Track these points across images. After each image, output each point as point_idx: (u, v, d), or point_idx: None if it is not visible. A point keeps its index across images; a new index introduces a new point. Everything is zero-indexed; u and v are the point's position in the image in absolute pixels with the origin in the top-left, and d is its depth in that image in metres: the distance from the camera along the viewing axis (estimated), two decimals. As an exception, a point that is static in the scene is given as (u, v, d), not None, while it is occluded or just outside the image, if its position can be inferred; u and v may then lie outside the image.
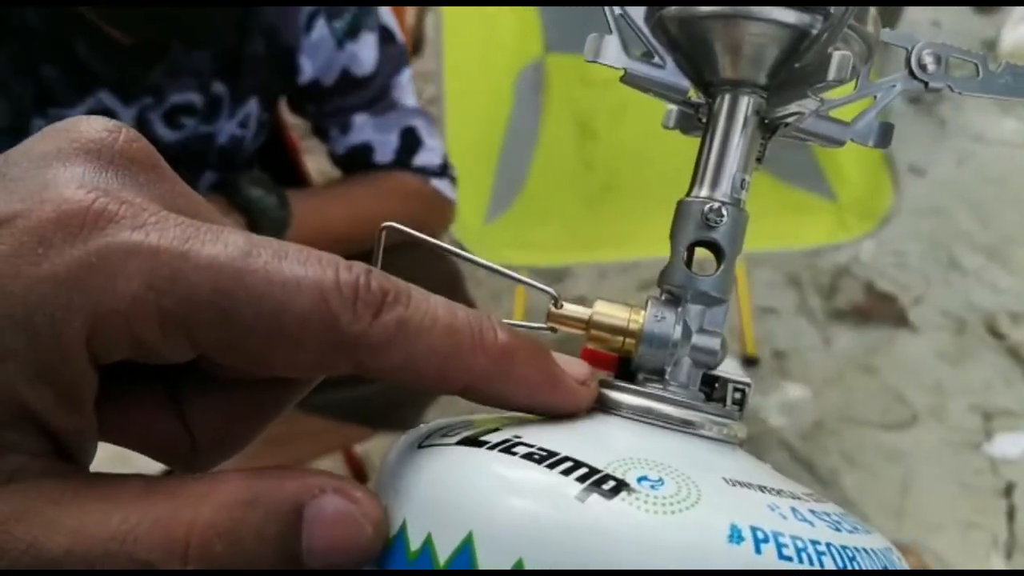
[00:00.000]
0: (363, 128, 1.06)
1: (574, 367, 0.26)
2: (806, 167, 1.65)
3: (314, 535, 0.22)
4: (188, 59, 0.95)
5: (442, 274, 1.09)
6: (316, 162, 1.34)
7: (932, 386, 1.75)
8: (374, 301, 0.23)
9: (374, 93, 1.06)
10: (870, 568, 0.26)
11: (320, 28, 1.02)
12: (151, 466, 1.24)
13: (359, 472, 1.52)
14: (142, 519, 0.21)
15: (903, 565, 0.28)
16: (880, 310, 1.90)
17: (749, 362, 1.79)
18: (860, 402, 1.73)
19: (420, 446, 0.28)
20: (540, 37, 1.74)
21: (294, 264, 0.22)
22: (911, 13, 2.34)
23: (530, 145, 1.75)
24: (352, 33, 1.03)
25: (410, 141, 1.08)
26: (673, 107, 0.34)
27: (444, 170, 1.11)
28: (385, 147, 1.07)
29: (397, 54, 1.08)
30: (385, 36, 1.06)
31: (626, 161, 1.71)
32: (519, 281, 0.31)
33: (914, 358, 1.81)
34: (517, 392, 0.25)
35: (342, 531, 0.23)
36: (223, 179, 1.03)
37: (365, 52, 1.04)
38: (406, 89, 1.09)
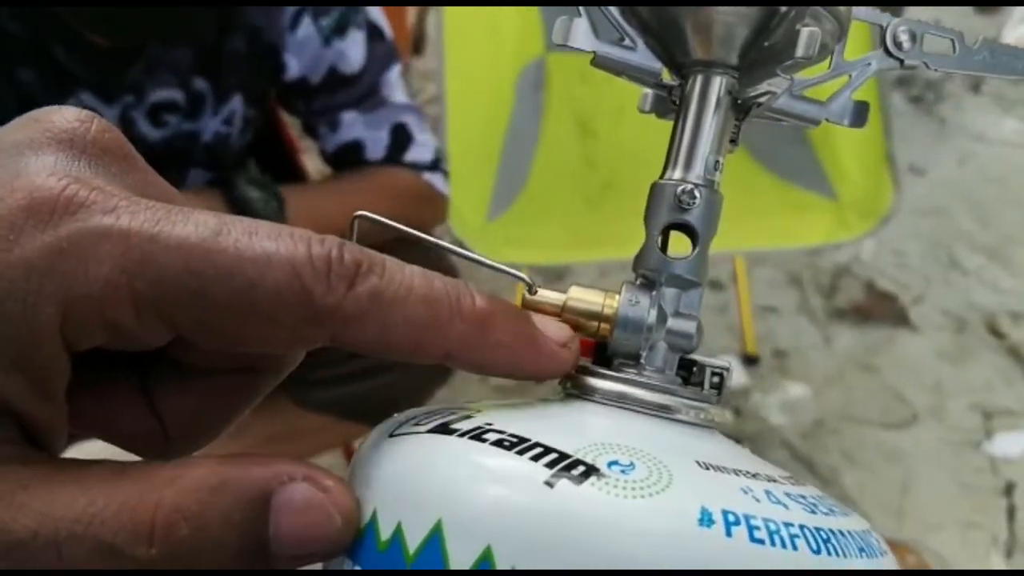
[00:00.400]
0: (352, 125, 1.06)
1: (554, 330, 0.26)
2: (807, 165, 1.65)
3: (281, 523, 0.22)
4: (166, 56, 0.95)
5: (440, 266, 1.09)
6: (315, 161, 1.34)
7: (932, 385, 1.75)
8: (347, 273, 0.23)
9: (363, 91, 1.06)
10: (846, 550, 0.25)
11: (306, 26, 1.01)
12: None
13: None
14: (109, 502, 0.21)
15: (883, 547, 0.27)
16: (880, 309, 1.90)
17: (749, 361, 1.79)
18: (860, 401, 1.73)
19: (391, 435, 0.27)
20: (541, 36, 1.74)
21: (265, 240, 0.22)
22: (911, 14, 2.33)
23: (531, 144, 1.75)
24: (339, 30, 1.03)
25: (401, 137, 1.08)
26: (648, 90, 0.33)
27: (436, 164, 1.11)
28: (376, 144, 1.07)
29: (386, 51, 1.08)
30: (373, 33, 1.06)
31: (627, 160, 1.71)
32: (492, 268, 0.30)
33: (914, 357, 1.81)
34: (497, 357, 0.25)
35: (310, 520, 0.23)
36: (213, 177, 1.03)
37: (353, 50, 1.04)
38: (395, 85, 1.09)
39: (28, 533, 0.21)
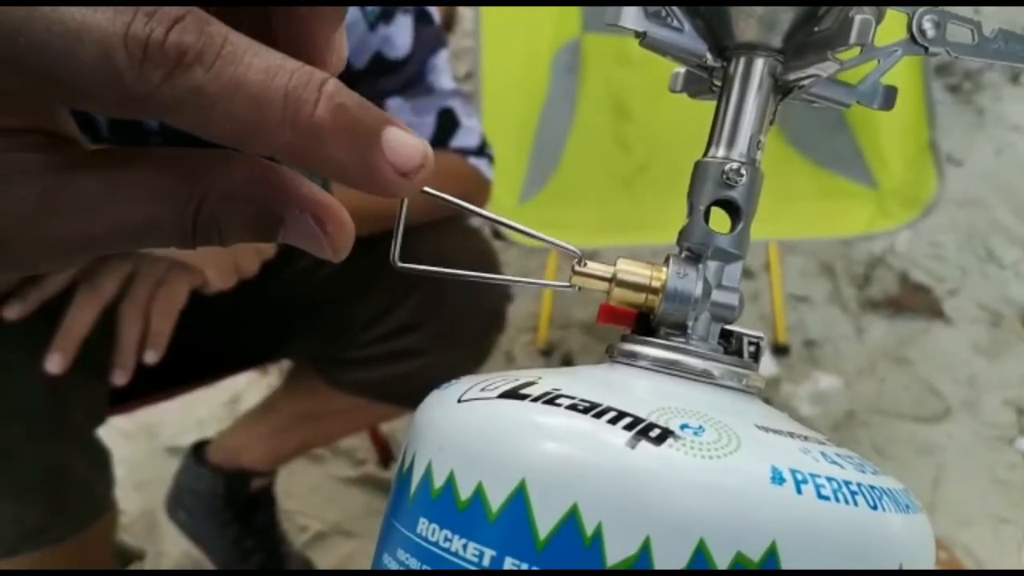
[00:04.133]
0: (398, 112, 1.04)
1: (405, 153, 0.24)
2: (847, 153, 1.63)
3: (288, 237, 0.26)
4: None
5: (474, 251, 1.07)
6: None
7: (966, 379, 1.73)
8: (165, 61, 0.21)
9: (409, 77, 1.04)
10: (895, 506, 0.27)
11: (352, 11, 0.99)
12: (177, 440, 1.23)
13: (384, 450, 1.52)
14: (161, 204, 0.25)
15: (918, 506, 0.29)
16: (914, 301, 1.88)
17: (780, 350, 1.77)
18: (892, 394, 1.71)
19: (460, 401, 0.29)
20: (578, 16, 1.73)
21: (89, 13, 0.21)
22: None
23: (565, 126, 1.74)
24: (385, 16, 1.00)
25: (447, 123, 1.06)
26: (681, 70, 0.35)
27: (482, 150, 1.09)
28: (422, 130, 1.04)
29: (433, 35, 1.05)
30: (421, 17, 1.03)
31: (661, 143, 1.69)
32: (543, 240, 0.32)
33: (948, 351, 1.79)
34: (325, 170, 0.24)
35: (309, 245, 0.26)
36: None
37: (399, 35, 1.01)
38: (442, 71, 1.06)
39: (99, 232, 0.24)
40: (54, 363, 0.83)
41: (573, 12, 1.72)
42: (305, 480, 1.52)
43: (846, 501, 0.26)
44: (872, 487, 0.27)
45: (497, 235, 1.52)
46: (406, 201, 0.30)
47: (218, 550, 1.29)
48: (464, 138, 1.06)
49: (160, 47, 0.21)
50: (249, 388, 1.64)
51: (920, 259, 1.96)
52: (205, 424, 1.59)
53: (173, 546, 1.38)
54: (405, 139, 0.24)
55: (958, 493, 1.53)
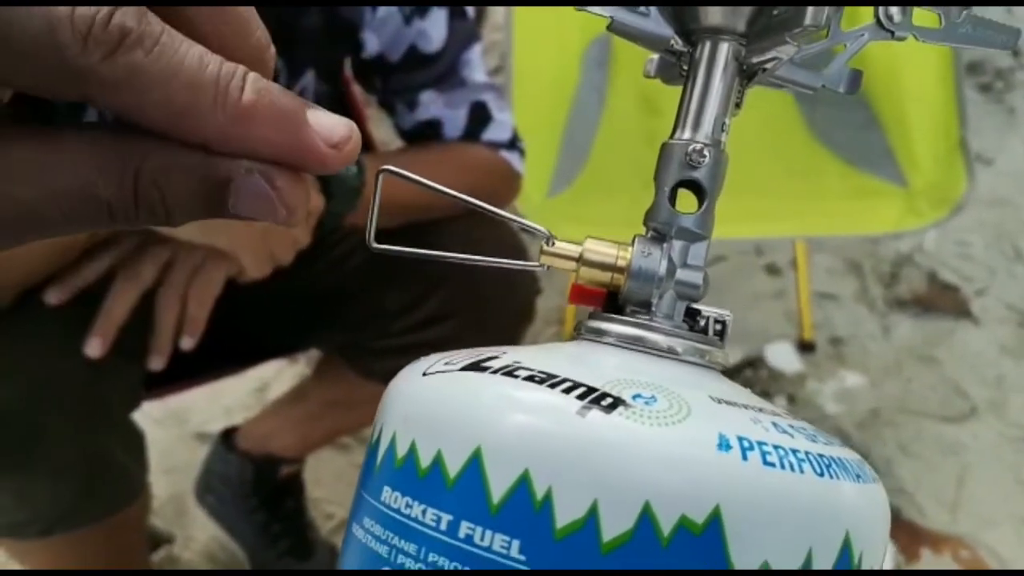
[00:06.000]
0: (431, 105, 1.05)
1: (328, 128, 0.26)
2: (877, 152, 1.62)
3: (238, 202, 0.26)
4: None
5: (505, 242, 1.08)
6: (379, 130, 1.34)
7: (993, 380, 1.72)
8: (108, 39, 0.23)
9: (442, 70, 1.05)
10: (845, 474, 0.28)
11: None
12: (206, 426, 1.24)
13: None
14: (100, 170, 0.24)
15: (874, 475, 0.30)
16: (942, 301, 1.87)
17: (805, 347, 1.77)
18: (918, 393, 1.71)
19: (425, 374, 0.30)
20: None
21: None
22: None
23: (595, 121, 1.74)
24: (420, 9, 1.01)
25: (480, 116, 1.07)
26: (654, 56, 0.36)
27: (513, 143, 1.10)
28: (454, 122, 1.06)
29: (467, 29, 1.06)
30: (455, 11, 1.04)
31: (690, 140, 1.69)
32: (510, 220, 0.33)
33: (975, 351, 1.78)
34: (259, 150, 0.25)
35: (260, 206, 0.26)
36: None
37: (434, 28, 1.02)
38: (476, 65, 1.07)
39: (34, 201, 0.24)
40: (94, 347, 0.85)
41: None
42: (332, 468, 1.53)
43: (792, 468, 0.26)
44: (821, 455, 0.27)
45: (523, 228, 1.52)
46: (379, 188, 0.31)
47: (245, 535, 1.31)
48: (496, 131, 1.07)
49: (104, 26, 0.23)
50: (277, 376, 1.66)
51: (948, 258, 1.95)
52: (234, 411, 1.61)
53: (201, 530, 1.40)
54: (329, 116, 0.26)
55: (983, 493, 1.53)
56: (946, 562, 1.41)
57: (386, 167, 0.32)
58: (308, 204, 0.27)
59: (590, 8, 0.31)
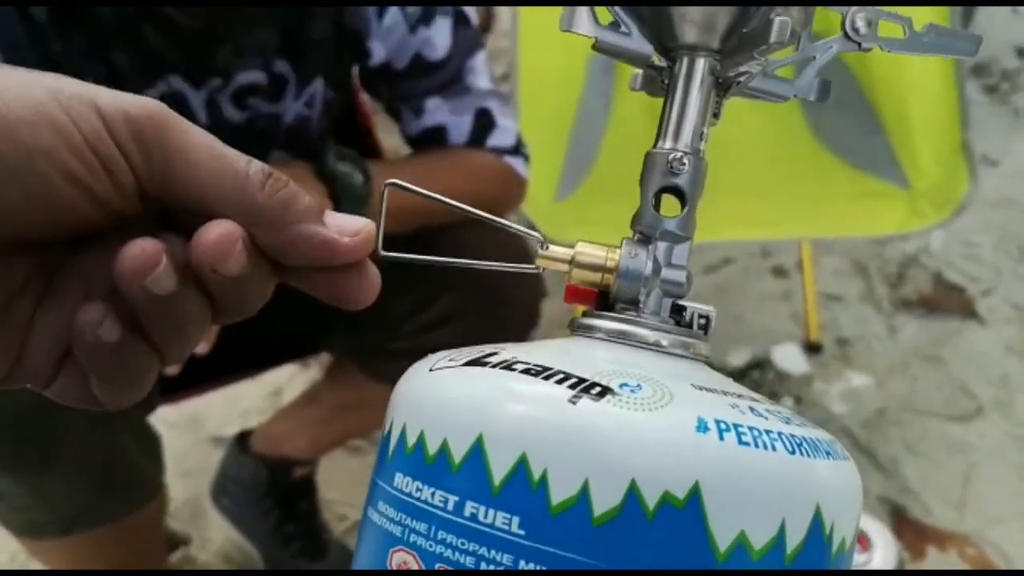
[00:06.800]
0: (436, 111, 1.07)
1: (347, 224, 0.32)
2: (881, 155, 1.64)
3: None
4: (251, 37, 0.95)
5: (512, 248, 1.10)
6: (387, 137, 1.36)
7: (999, 379, 1.74)
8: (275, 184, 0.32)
9: (447, 77, 1.07)
10: (815, 452, 0.30)
11: (393, 13, 1.02)
12: (221, 430, 1.26)
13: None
14: None
15: (845, 453, 0.32)
16: (948, 301, 1.89)
17: (812, 348, 1.79)
18: (924, 393, 1.72)
19: (431, 370, 0.33)
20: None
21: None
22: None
23: (601, 125, 1.76)
24: (425, 17, 1.03)
25: (484, 122, 1.09)
26: (638, 71, 0.38)
27: (517, 149, 1.12)
28: (459, 128, 1.08)
29: (471, 37, 1.08)
30: (459, 19, 1.06)
31: (697, 144, 1.70)
32: (506, 226, 0.36)
33: (981, 351, 1.79)
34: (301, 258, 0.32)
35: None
36: (294, 159, 1.05)
37: (438, 36, 1.04)
38: (480, 72, 1.09)
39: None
40: None
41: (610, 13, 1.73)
42: (345, 471, 1.55)
43: (765, 447, 0.28)
44: (793, 435, 0.30)
45: (532, 228, 1.54)
46: (386, 200, 0.34)
47: (260, 536, 1.33)
48: (500, 137, 1.09)
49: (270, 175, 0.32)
50: (291, 381, 1.69)
51: (954, 259, 1.96)
52: (248, 415, 1.63)
53: (217, 532, 1.43)
54: (337, 216, 0.33)
55: (988, 492, 1.54)
56: (952, 560, 1.42)
57: (392, 181, 0.35)
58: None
59: (575, 30, 0.34)
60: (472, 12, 1.10)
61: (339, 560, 1.34)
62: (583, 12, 0.34)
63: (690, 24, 0.34)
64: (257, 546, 1.34)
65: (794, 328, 1.84)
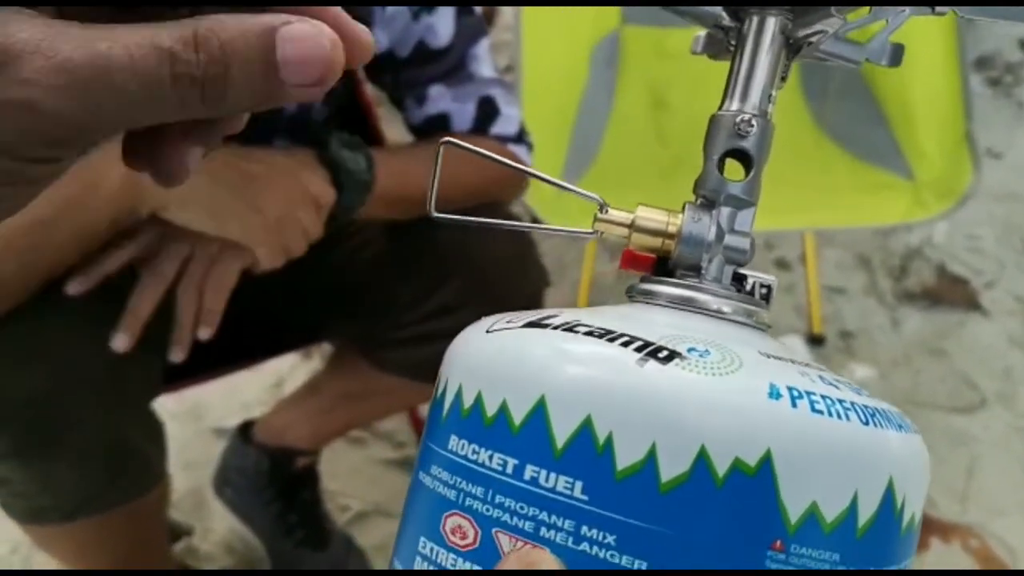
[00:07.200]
0: (439, 99, 1.06)
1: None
2: (884, 145, 1.64)
3: (286, 48, 0.28)
4: None
5: (514, 238, 1.10)
6: (390, 128, 1.35)
7: (1002, 372, 1.73)
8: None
9: (450, 65, 1.06)
10: (888, 423, 0.29)
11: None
12: (223, 421, 1.26)
13: (423, 432, 1.55)
14: (159, 28, 0.27)
15: (915, 427, 0.31)
16: (951, 293, 1.88)
17: (815, 341, 1.79)
18: (928, 385, 1.72)
19: (488, 331, 0.31)
20: (617, 9, 1.75)
21: None
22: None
23: (604, 117, 1.76)
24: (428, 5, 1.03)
25: (487, 110, 1.08)
26: (701, 33, 0.37)
27: (521, 137, 1.11)
28: (462, 116, 1.07)
29: (474, 25, 1.07)
30: (462, 7, 1.06)
31: (699, 135, 1.69)
32: (567, 189, 0.35)
33: (985, 343, 1.79)
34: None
35: (308, 44, 0.28)
36: (305, 143, 1.05)
37: (441, 24, 1.04)
38: (483, 60, 1.09)
39: (105, 48, 0.26)
40: (120, 342, 0.87)
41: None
42: (347, 462, 1.55)
43: (839, 416, 0.28)
44: (866, 406, 0.29)
45: (536, 221, 1.54)
46: (442, 150, 0.34)
47: (262, 526, 1.33)
48: (503, 125, 1.09)
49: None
50: (293, 371, 1.68)
51: (957, 251, 1.96)
52: (250, 406, 1.63)
53: (220, 522, 1.42)
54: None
55: (992, 484, 1.54)
56: (955, 551, 1.42)
57: (448, 139, 0.34)
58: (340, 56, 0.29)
59: None
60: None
61: (341, 551, 1.34)
62: None
63: None
64: (259, 536, 1.34)
65: (797, 320, 1.83)
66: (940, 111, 1.57)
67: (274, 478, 1.29)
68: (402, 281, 1.09)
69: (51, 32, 0.26)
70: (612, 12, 1.74)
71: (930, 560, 1.40)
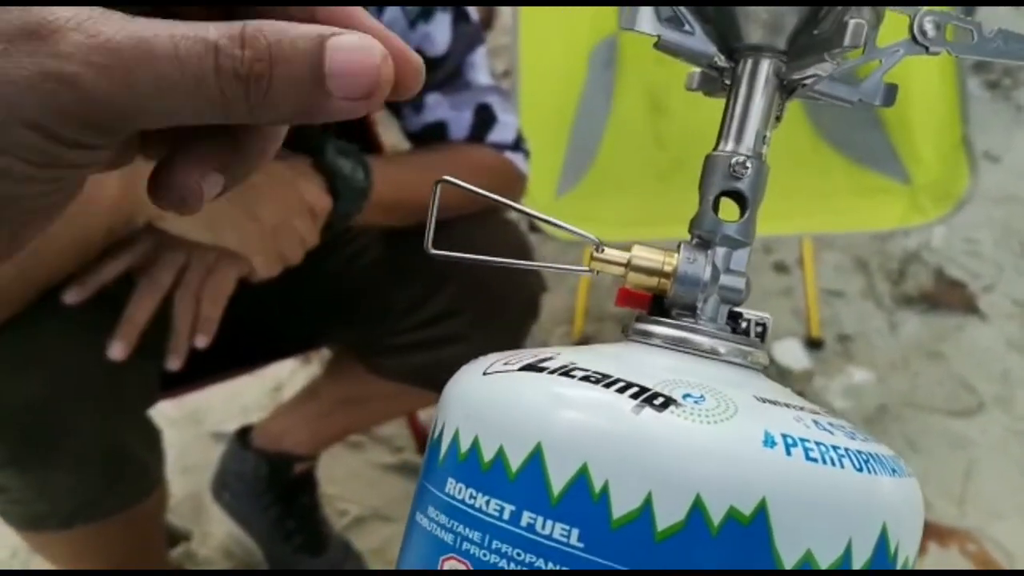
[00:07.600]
0: (436, 107, 1.06)
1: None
2: (881, 150, 1.64)
3: (335, 59, 0.27)
4: None
5: (510, 244, 1.10)
6: (388, 134, 1.36)
7: (1000, 375, 1.73)
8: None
9: (447, 73, 1.06)
10: (882, 469, 0.29)
11: (393, 9, 1.01)
12: (222, 426, 1.26)
13: (422, 438, 1.55)
14: (207, 24, 0.27)
15: (909, 471, 0.31)
16: (949, 297, 1.88)
17: (813, 344, 1.79)
18: (925, 388, 1.72)
19: (484, 374, 0.32)
20: (616, 14, 1.74)
21: None
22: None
23: (602, 121, 1.76)
24: (425, 13, 1.02)
25: (484, 118, 1.08)
26: (696, 70, 0.37)
27: (518, 144, 1.12)
28: (460, 124, 1.07)
29: (471, 32, 1.07)
30: (459, 15, 1.05)
31: (697, 139, 1.69)
32: (565, 229, 0.35)
33: (982, 346, 1.79)
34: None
35: (357, 55, 0.27)
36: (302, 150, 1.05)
37: (438, 32, 1.04)
38: (480, 67, 1.09)
39: (150, 35, 0.26)
40: (117, 350, 0.87)
41: (611, 8, 1.74)
42: (345, 466, 1.56)
43: (833, 463, 0.28)
44: (859, 452, 0.29)
45: (533, 228, 1.54)
46: (439, 189, 0.33)
47: (260, 531, 1.33)
48: (500, 133, 1.09)
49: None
50: (292, 376, 1.69)
51: (955, 255, 1.96)
52: (249, 411, 1.63)
53: (218, 527, 1.43)
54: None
55: (989, 487, 1.54)
56: (953, 556, 1.42)
57: (445, 178, 0.34)
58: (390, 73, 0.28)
59: (637, 28, 0.33)
60: (472, 8, 1.09)
61: (339, 555, 1.34)
62: (646, 11, 0.33)
63: (756, 24, 0.33)
64: (258, 541, 1.34)
65: (795, 324, 1.84)
66: (937, 116, 1.58)
67: (272, 483, 1.30)
68: (399, 287, 1.09)
69: (95, 14, 0.25)
70: (610, 15, 1.75)
71: (928, 564, 1.40)
